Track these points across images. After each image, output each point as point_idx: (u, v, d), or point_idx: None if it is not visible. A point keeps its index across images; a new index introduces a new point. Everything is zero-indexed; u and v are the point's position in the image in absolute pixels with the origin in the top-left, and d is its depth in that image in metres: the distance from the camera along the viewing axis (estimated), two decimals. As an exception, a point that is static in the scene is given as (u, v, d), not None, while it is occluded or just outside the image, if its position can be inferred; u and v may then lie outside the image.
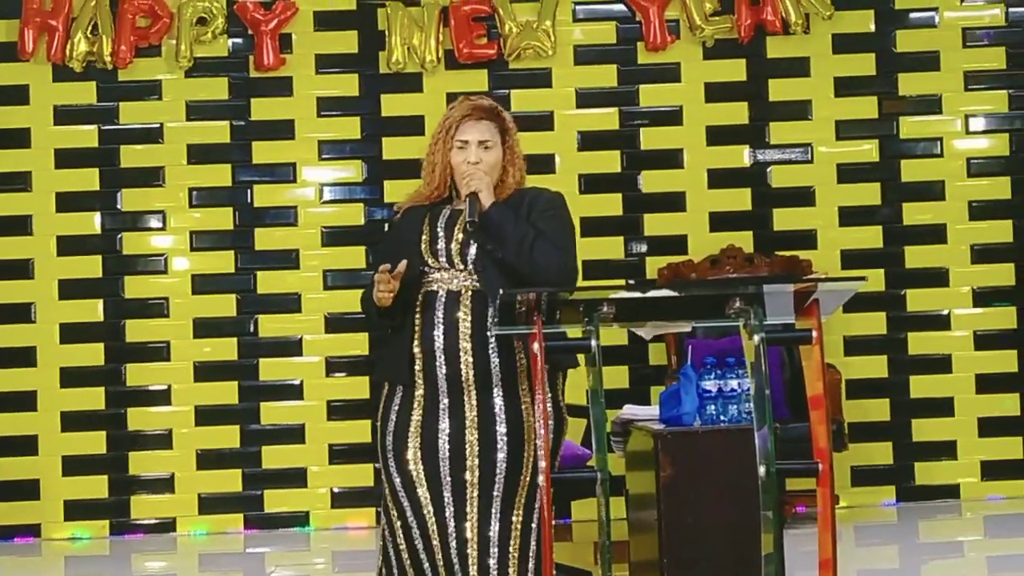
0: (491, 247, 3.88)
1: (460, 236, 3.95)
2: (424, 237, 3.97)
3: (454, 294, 3.88)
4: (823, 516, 3.29)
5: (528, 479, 3.83)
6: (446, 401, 3.86)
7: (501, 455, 3.83)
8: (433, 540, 3.83)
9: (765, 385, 3.30)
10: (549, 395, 3.79)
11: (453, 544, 3.81)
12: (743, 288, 3.34)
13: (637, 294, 3.42)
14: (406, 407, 3.89)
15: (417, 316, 3.88)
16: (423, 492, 3.85)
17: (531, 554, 3.83)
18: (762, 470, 3.27)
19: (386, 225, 4.20)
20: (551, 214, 4.01)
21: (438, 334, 3.83)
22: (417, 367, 3.89)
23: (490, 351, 3.84)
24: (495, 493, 3.81)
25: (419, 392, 3.88)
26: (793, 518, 6.87)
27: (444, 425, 3.86)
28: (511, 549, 3.82)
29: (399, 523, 3.86)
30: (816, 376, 3.35)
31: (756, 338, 3.28)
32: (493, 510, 3.82)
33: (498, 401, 3.85)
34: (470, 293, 3.88)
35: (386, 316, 3.92)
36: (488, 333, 3.70)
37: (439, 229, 3.98)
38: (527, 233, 3.89)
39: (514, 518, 3.84)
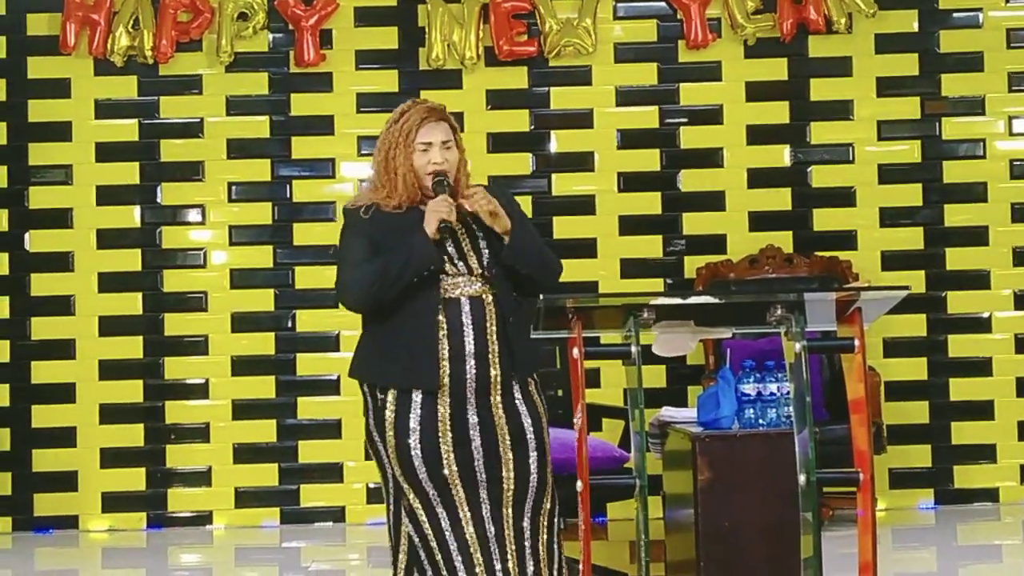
0: (512, 262, 3.96)
1: (484, 249, 4.00)
2: (451, 249, 3.99)
3: (476, 299, 3.93)
4: (863, 521, 3.28)
5: (536, 475, 3.94)
6: (474, 402, 3.89)
7: (532, 447, 3.91)
8: (471, 541, 3.83)
9: (806, 392, 3.28)
10: (523, 400, 3.95)
11: (493, 544, 3.82)
12: (784, 295, 3.32)
13: (678, 300, 3.39)
14: (430, 411, 3.89)
15: (442, 320, 3.88)
16: (458, 493, 3.86)
17: (556, 546, 3.93)
18: (802, 478, 3.25)
19: (343, 213, 4.10)
20: (522, 215, 4.13)
21: (468, 339, 3.86)
22: (444, 371, 3.89)
23: (512, 352, 3.89)
24: (531, 485, 3.84)
25: (444, 396, 3.87)
26: (831, 520, 6.83)
27: (473, 423, 3.90)
28: (540, 544, 3.86)
29: (430, 528, 3.86)
30: (858, 382, 3.32)
31: (798, 346, 3.26)
32: (528, 503, 3.87)
33: (518, 396, 3.94)
34: (490, 297, 3.94)
35: (414, 272, 3.91)
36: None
37: (476, 236, 4.02)
38: (536, 242, 4.02)
39: (543, 515, 3.90)
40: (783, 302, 3.33)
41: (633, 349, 3.29)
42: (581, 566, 3.37)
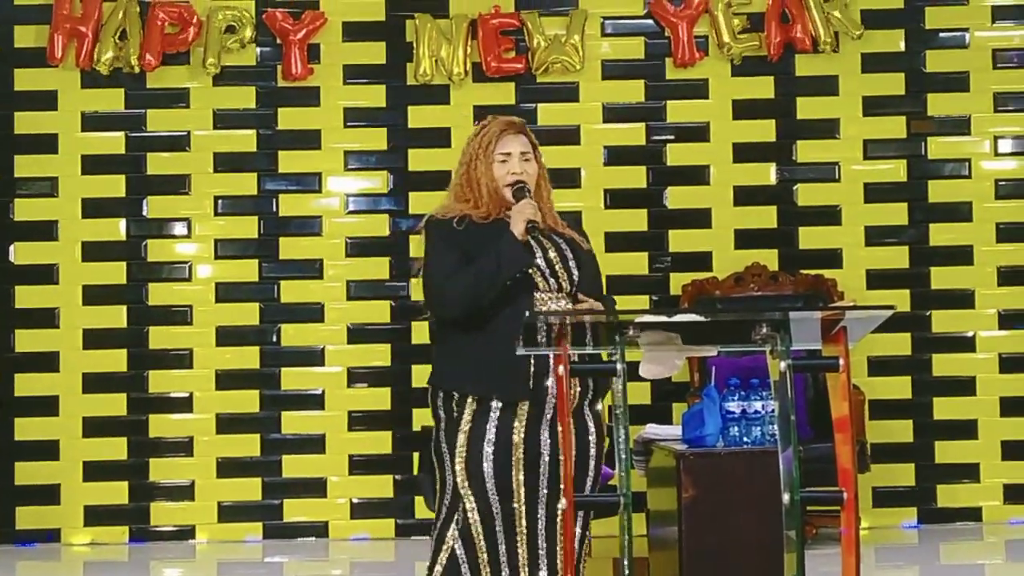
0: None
1: (574, 269, 4.04)
2: (541, 262, 4.00)
3: None
4: (847, 540, 3.28)
5: (590, 488, 4.04)
6: (549, 418, 3.91)
7: (591, 466, 4.02)
8: (522, 561, 3.85)
9: (791, 411, 3.28)
10: (591, 416, 3.98)
11: (543, 561, 3.85)
12: (770, 314, 3.32)
13: (663, 317, 3.39)
14: (506, 423, 3.88)
15: None
16: (520, 506, 3.90)
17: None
18: (786, 497, 3.25)
19: (428, 224, 4.06)
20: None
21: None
22: (528, 384, 3.92)
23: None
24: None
25: (523, 409, 3.87)
26: (814, 538, 6.83)
27: (545, 439, 3.92)
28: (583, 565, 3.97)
29: (484, 542, 3.84)
30: (842, 401, 3.33)
31: (783, 365, 3.26)
32: (579, 519, 3.94)
33: (587, 412, 4.02)
34: None
35: (507, 274, 3.93)
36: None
37: (565, 255, 4.06)
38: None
39: (588, 530, 4.03)
40: (768, 321, 3.33)
41: (619, 366, 3.28)
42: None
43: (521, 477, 3.89)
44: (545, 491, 3.90)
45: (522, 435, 3.90)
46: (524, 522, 3.88)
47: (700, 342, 3.58)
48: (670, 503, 4.61)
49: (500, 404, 3.90)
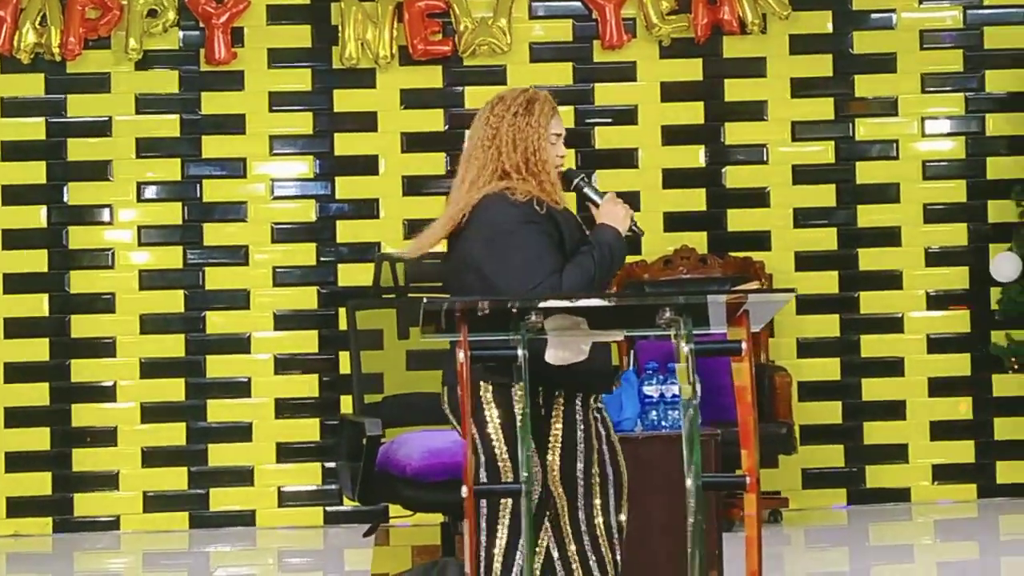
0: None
1: None
2: None
3: None
4: (750, 527, 3.24)
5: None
6: (593, 407, 3.77)
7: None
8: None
9: (694, 396, 3.24)
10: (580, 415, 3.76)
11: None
12: (673, 298, 3.28)
13: (566, 303, 3.34)
14: (586, 416, 3.72)
15: None
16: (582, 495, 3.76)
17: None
18: (689, 482, 3.21)
19: (513, 211, 3.67)
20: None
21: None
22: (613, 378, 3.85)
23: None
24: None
25: (585, 400, 3.74)
26: (741, 520, 6.83)
27: (602, 431, 3.77)
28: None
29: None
30: (746, 386, 3.29)
31: (685, 349, 3.22)
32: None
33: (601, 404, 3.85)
34: None
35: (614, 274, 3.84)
36: None
37: None
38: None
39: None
40: (671, 305, 3.29)
41: (520, 352, 3.23)
42: (468, 569, 3.31)
43: (579, 463, 3.74)
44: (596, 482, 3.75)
45: (583, 431, 3.72)
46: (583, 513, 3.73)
47: (606, 327, 3.53)
48: (588, 489, 4.58)
49: (563, 395, 3.70)
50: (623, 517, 3.82)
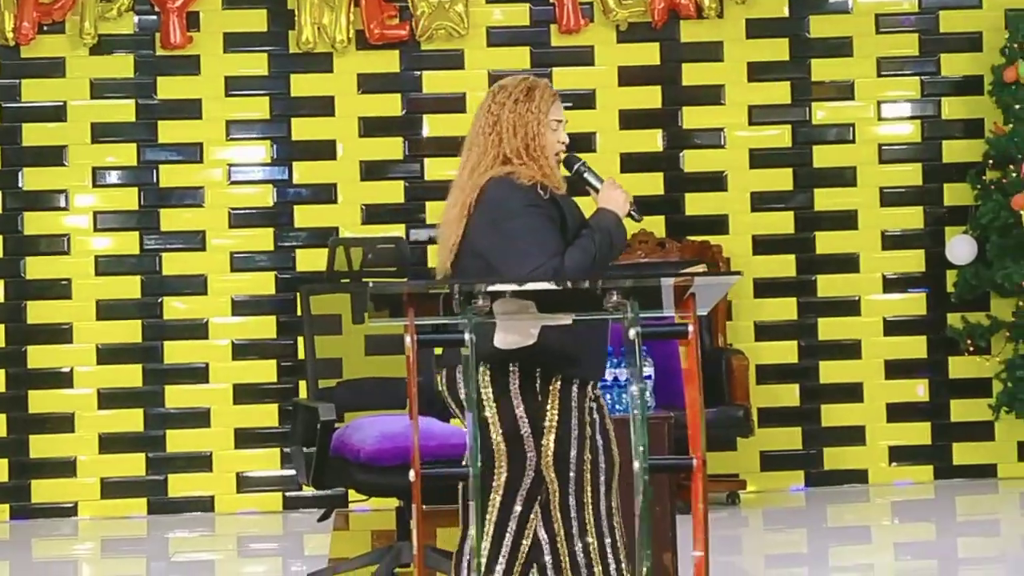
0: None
1: None
2: None
3: None
4: (696, 511, 3.25)
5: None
6: (595, 395, 3.76)
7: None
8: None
9: (639, 379, 3.25)
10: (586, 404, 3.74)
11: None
12: (620, 282, 3.28)
13: (512, 287, 3.35)
14: (581, 400, 3.70)
15: None
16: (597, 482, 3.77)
17: None
18: (636, 465, 3.22)
19: (516, 194, 3.67)
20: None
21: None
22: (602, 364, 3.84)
23: None
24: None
25: (582, 386, 3.74)
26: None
27: (596, 418, 3.75)
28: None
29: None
30: (692, 371, 3.30)
31: (631, 332, 3.23)
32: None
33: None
34: None
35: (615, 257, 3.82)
36: None
37: None
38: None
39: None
40: (619, 288, 3.30)
41: (467, 336, 3.23)
42: (415, 552, 3.31)
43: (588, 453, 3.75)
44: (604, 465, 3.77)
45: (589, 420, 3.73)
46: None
47: (554, 310, 3.53)
48: (541, 472, 4.59)
49: (578, 384, 3.68)
50: (615, 503, 3.82)
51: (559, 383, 3.68)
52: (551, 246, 3.65)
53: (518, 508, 3.68)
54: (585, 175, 3.87)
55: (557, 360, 3.66)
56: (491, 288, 3.29)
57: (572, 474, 3.72)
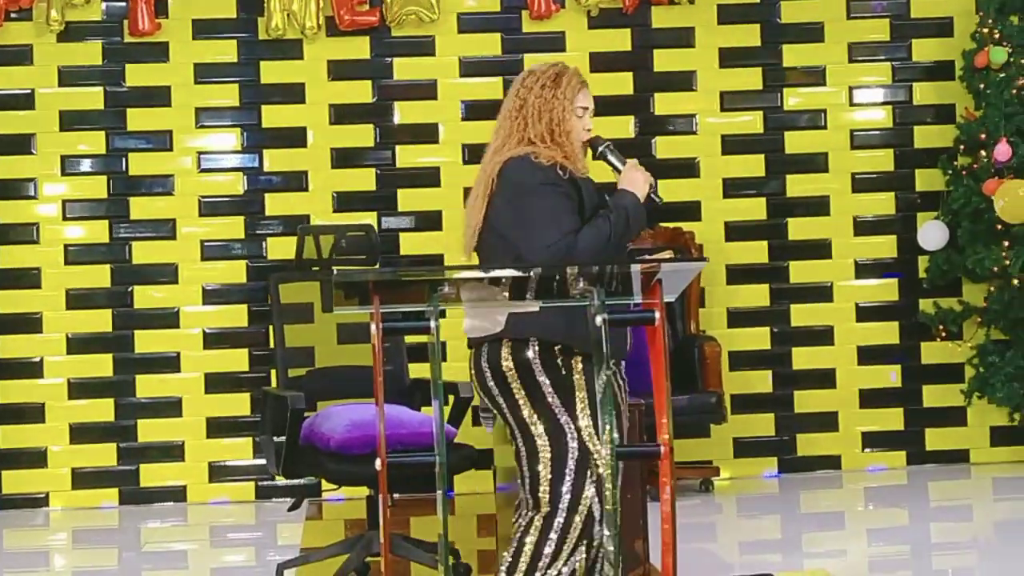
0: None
1: None
2: None
3: None
4: (663, 499, 3.24)
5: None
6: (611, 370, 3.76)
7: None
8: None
9: (607, 367, 3.24)
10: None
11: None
12: (586, 268, 3.28)
13: (480, 274, 3.33)
14: (590, 379, 3.70)
15: None
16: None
17: None
18: (604, 452, 3.22)
19: (534, 173, 3.76)
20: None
21: None
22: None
23: None
24: None
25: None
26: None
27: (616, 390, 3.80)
28: None
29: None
30: (659, 359, 3.29)
31: (598, 319, 3.22)
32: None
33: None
34: None
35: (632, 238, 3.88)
36: None
37: None
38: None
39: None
40: (586, 275, 3.29)
41: (432, 324, 3.22)
42: (382, 538, 3.30)
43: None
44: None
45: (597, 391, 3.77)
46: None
47: (522, 297, 3.52)
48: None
49: (587, 362, 3.68)
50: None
51: (580, 362, 3.72)
52: (566, 224, 3.72)
53: (572, 474, 3.68)
54: (608, 156, 3.94)
55: (579, 340, 3.65)
56: (459, 276, 3.28)
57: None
